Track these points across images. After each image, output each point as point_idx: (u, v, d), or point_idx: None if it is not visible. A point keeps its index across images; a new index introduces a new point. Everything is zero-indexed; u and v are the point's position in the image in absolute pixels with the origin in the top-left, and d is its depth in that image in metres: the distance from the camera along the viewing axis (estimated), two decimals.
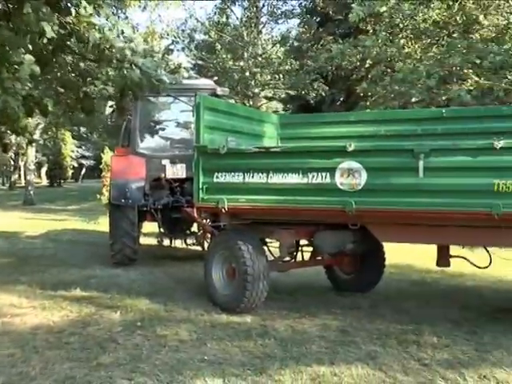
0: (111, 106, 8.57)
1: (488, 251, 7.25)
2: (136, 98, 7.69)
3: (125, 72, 6.67)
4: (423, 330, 6.49)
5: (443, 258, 7.23)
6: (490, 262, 7.25)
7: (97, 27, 6.26)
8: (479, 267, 7.44)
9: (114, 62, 6.62)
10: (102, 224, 16.29)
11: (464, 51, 12.41)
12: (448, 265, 7.33)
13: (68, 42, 6.51)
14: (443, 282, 9.35)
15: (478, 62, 12.33)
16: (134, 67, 6.71)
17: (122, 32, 6.68)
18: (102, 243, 12.65)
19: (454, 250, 7.41)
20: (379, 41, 13.95)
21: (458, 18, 13.98)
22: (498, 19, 13.94)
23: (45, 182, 56.85)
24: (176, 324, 6.75)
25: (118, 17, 23.29)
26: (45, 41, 5.91)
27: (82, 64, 6.87)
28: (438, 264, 7.34)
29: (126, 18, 24.93)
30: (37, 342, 6.12)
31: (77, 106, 7.60)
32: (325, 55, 16.71)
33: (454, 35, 14.21)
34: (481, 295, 8.40)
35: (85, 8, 6.02)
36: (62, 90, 7.29)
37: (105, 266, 10.45)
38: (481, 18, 13.82)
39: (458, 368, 5.37)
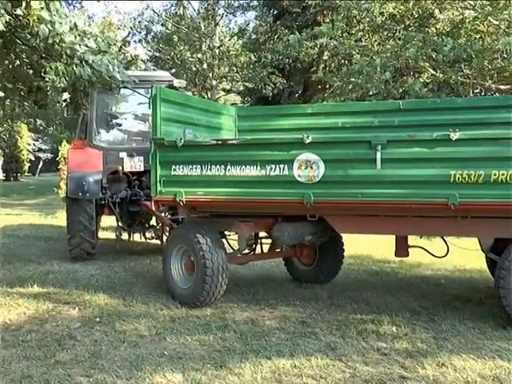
0: (65, 100, 8.38)
1: (445, 241, 7.33)
2: (86, 94, 7.52)
3: (74, 68, 6.50)
4: (382, 319, 6.55)
5: (401, 248, 7.28)
6: (448, 251, 7.33)
7: (47, 21, 6.08)
8: (437, 257, 7.53)
9: (63, 58, 6.45)
10: (60, 218, 16.10)
11: (420, 44, 12.52)
12: (406, 255, 7.38)
13: (20, 33, 6.32)
14: (402, 271, 9.45)
15: (434, 55, 12.47)
16: (84, 64, 6.55)
17: (75, 25, 6.51)
18: (60, 238, 12.52)
19: (412, 240, 7.48)
20: (335, 30, 13.97)
21: (414, 12, 14.13)
22: (453, 14, 14.12)
23: (0, 175, 55.79)
24: (135, 319, 6.69)
25: (74, 7, 22.97)
26: None
27: (34, 56, 6.68)
28: (396, 254, 7.40)
29: (82, 7, 24.67)
30: None
31: (29, 99, 7.43)
32: (282, 45, 16.71)
33: (410, 29, 14.35)
34: (439, 284, 8.51)
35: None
36: (10, 86, 7.10)
37: (63, 261, 10.28)
38: (436, 12, 13.99)
39: (416, 357, 5.43)
